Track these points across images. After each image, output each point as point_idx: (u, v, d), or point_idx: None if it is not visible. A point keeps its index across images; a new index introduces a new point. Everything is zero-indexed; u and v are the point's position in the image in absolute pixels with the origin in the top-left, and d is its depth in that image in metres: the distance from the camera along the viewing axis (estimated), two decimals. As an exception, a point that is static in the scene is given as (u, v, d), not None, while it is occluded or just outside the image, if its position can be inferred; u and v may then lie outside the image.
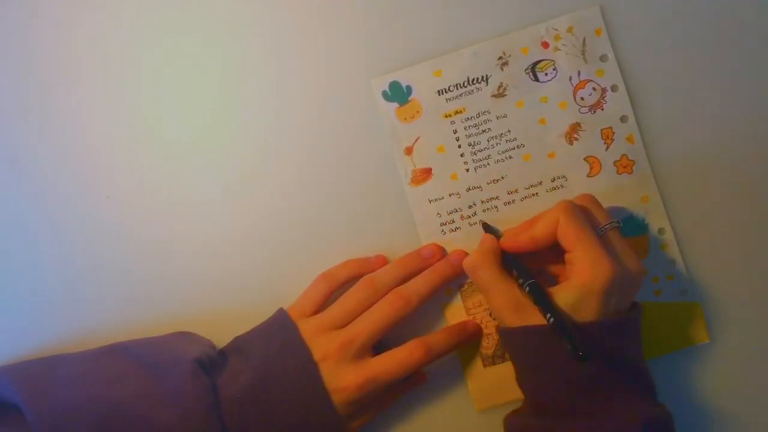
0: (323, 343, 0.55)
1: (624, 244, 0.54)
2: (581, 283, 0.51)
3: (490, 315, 0.59)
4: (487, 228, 0.59)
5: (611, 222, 0.54)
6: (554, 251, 0.54)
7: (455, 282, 0.60)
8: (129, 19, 0.60)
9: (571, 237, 0.52)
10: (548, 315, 0.51)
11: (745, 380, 0.59)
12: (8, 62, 0.60)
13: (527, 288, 0.53)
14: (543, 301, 0.52)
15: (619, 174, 0.59)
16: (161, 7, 0.60)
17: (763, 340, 0.60)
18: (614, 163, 0.59)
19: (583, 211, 0.54)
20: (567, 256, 0.53)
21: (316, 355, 0.54)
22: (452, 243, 0.60)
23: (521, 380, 0.55)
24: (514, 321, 0.53)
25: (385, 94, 0.60)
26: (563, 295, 0.52)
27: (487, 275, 0.54)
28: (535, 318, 0.52)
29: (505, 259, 0.56)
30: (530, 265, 0.55)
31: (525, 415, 0.55)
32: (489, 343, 0.60)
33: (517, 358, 0.55)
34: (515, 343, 0.54)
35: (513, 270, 0.55)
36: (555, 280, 0.56)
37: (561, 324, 0.50)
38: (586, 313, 0.51)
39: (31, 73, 0.60)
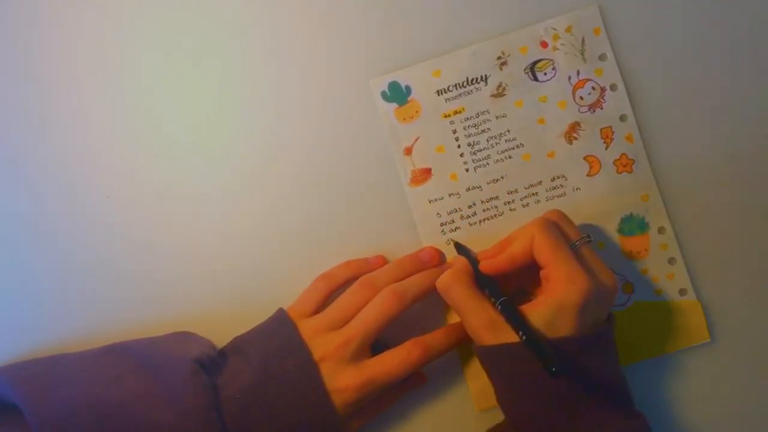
0: (322, 343, 0.55)
1: (597, 258, 0.54)
2: (556, 298, 0.51)
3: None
4: (459, 248, 0.59)
5: (583, 237, 0.54)
6: (533, 269, 0.54)
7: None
8: (129, 19, 0.60)
9: (546, 252, 0.52)
10: (520, 332, 0.50)
11: (745, 379, 0.59)
12: (8, 62, 0.60)
13: (499, 306, 0.53)
14: (515, 319, 0.51)
15: (619, 173, 0.59)
16: (161, 7, 0.60)
17: (764, 339, 0.59)
18: (614, 162, 0.59)
19: (557, 227, 0.54)
20: (542, 273, 0.53)
21: (316, 355, 0.54)
22: (452, 243, 0.60)
23: (500, 399, 0.55)
24: (489, 340, 0.53)
25: (384, 95, 0.60)
26: (538, 312, 0.51)
27: (460, 295, 0.54)
28: (510, 336, 0.52)
29: (478, 279, 0.55)
30: (508, 284, 0.55)
31: None
32: (489, 343, 0.59)
33: (494, 376, 0.55)
34: (491, 362, 0.54)
35: (485, 289, 0.55)
36: (533, 298, 0.56)
37: (532, 340, 0.50)
38: (562, 329, 0.51)
39: (30, 72, 0.60)
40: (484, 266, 0.55)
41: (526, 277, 0.56)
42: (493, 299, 0.53)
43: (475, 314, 0.53)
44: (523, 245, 0.54)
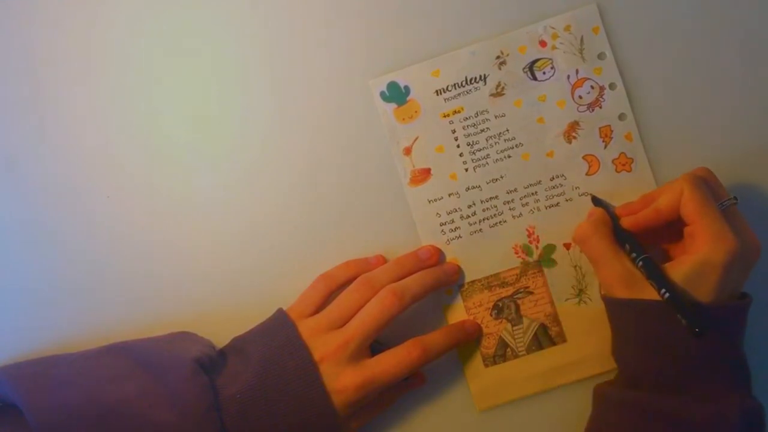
0: (322, 343, 0.55)
1: (743, 221, 0.53)
2: (702, 256, 0.50)
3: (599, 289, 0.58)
4: (597, 200, 0.59)
5: (730, 198, 0.53)
6: (671, 227, 0.54)
7: (454, 284, 0.60)
8: (129, 19, 0.60)
9: (694, 208, 0.51)
10: (663, 290, 0.50)
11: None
12: (7, 61, 0.61)
13: (640, 263, 0.52)
14: (658, 276, 0.51)
15: (618, 172, 0.59)
16: (161, 5, 0.60)
17: (763, 332, 0.59)
18: (613, 161, 0.59)
19: (706, 183, 0.53)
20: (687, 229, 0.52)
21: (316, 355, 0.54)
22: (452, 242, 0.60)
23: (620, 351, 0.55)
24: (622, 293, 0.53)
25: (383, 95, 0.60)
26: (681, 269, 0.51)
27: (599, 245, 0.54)
28: (646, 292, 0.52)
29: (617, 233, 0.55)
30: (643, 242, 0.54)
31: (619, 387, 0.54)
32: (490, 343, 0.59)
33: (622, 329, 0.54)
34: (623, 315, 0.54)
35: (625, 244, 0.54)
36: (666, 256, 0.56)
37: (677, 299, 0.50)
38: (704, 288, 0.51)
39: (30, 72, 0.60)
40: (627, 222, 0.55)
41: (662, 235, 0.55)
42: (633, 255, 0.53)
43: (611, 266, 0.53)
44: (670, 200, 0.53)
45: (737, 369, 0.52)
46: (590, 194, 0.59)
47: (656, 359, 0.52)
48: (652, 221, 0.54)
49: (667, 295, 0.50)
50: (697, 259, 0.51)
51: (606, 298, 0.55)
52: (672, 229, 0.54)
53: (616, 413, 0.53)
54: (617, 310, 0.54)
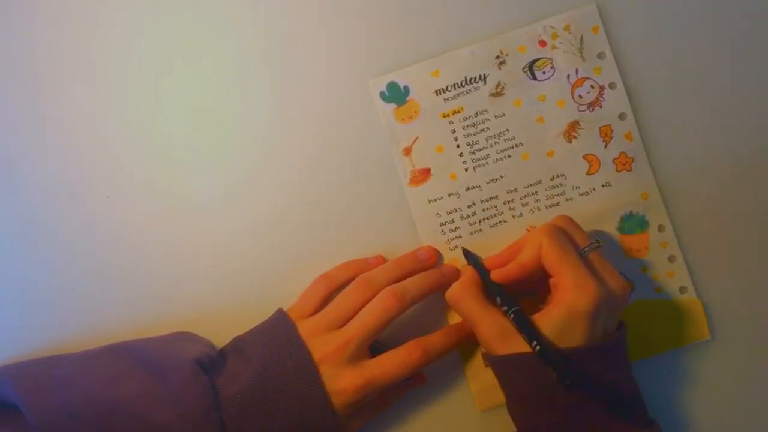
0: (322, 344, 0.55)
1: (607, 264, 0.54)
2: (566, 306, 0.51)
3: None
4: (468, 255, 0.59)
5: (592, 243, 0.54)
6: (542, 274, 0.54)
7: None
8: (129, 19, 0.60)
9: (554, 260, 0.52)
10: (534, 343, 0.50)
11: (745, 377, 0.59)
12: (8, 61, 0.60)
13: (512, 316, 0.52)
14: (527, 329, 0.51)
15: (619, 172, 0.59)
16: (161, 5, 0.60)
17: (764, 337, 0.59)
18: (613, 160, 0.59)
19: (564, 233, 0.54)
20: (552, 281, 0.53)
21: (316, 356, 0.54)
22: (452, 242, 0.60)
23: (511, 408, 0.55)
24: (501, 349, 0.53)
25: (382, 95, 0.60)
26: (548, 321, 0.51)
27: (471, 306, 0.54)
28: (523, 345, 0.52)
29: (488, 287, 0.55)
30: (518, 287, 0.55)
31: None
32: (490, 343, 0.59)
33: (507, 385, 0.54)
34: (503, 371, 0.54)
35: (496, 297, 0.54)
36: (541, 307, 0.55)
37: (546, 352, 0.50)
38: (574, 337, 0.51)
39: (30, 72, 0.60)
40: (496, 275, 0.55)
41: (536, 281, 0.55)
42: (504, 307, 0.53)
43: (486, 325, 0.53)
44: (531, 253, 0.54)
45: (623, 404, 0.52)
46: (462, 247, 0.59)
47: (541, 412, 0.52)
48: (518, 276, 0.54)
49: (537, 347, 0.50)
50: (563, 310, 0.51)
51: (487, 356, 0.55)
52: (546, 275, 0.54)
53: None
54: (498, 367, 0.54)
